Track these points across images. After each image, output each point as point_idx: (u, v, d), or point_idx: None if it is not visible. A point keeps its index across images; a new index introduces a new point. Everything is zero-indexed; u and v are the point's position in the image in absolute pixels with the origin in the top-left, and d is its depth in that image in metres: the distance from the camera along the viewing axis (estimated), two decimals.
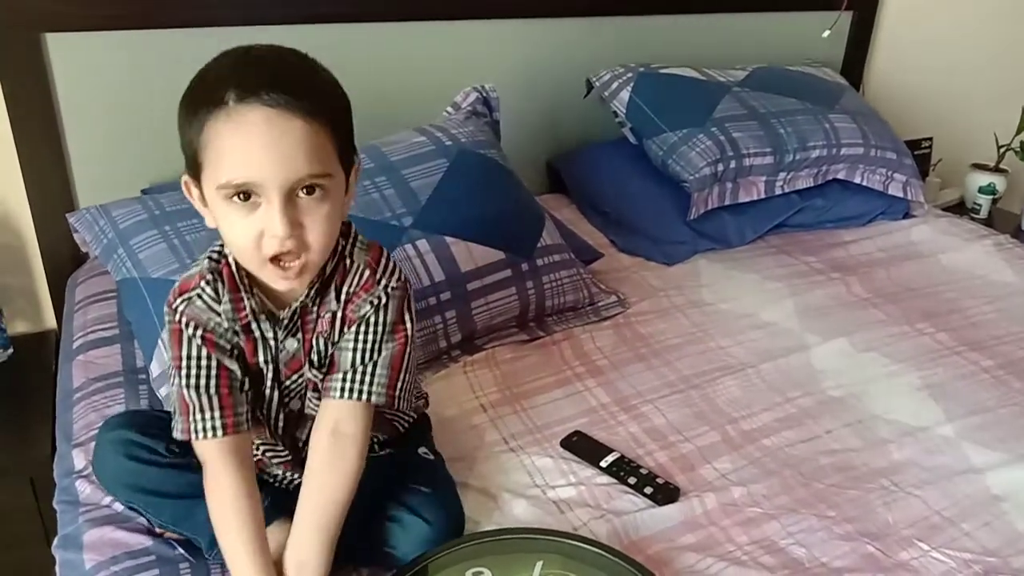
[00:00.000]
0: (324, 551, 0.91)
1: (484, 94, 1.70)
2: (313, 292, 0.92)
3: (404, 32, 1.79)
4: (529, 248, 1.51)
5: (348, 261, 0.94)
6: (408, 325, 0.97)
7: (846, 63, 2.34)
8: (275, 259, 0.85)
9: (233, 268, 0.91)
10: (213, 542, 0.97)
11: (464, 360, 1.40)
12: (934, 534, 1.07)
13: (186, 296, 0.92)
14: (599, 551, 0.96)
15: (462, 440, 1.20)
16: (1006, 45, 2.55)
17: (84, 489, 1.11)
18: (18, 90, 1.52)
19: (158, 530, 1.05)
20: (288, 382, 0.98)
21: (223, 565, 0.95)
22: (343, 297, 0.94)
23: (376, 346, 0.94)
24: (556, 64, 1.97)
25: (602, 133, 2.05)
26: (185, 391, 0.92)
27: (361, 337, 0.94)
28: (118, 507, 1.08)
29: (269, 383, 0.97)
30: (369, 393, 0.94)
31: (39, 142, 1.57)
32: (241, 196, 0.81)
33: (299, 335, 0.95)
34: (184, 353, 0.92)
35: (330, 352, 0.96)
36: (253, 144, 0.79)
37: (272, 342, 0.94)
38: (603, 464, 1.16)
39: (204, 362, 0.92)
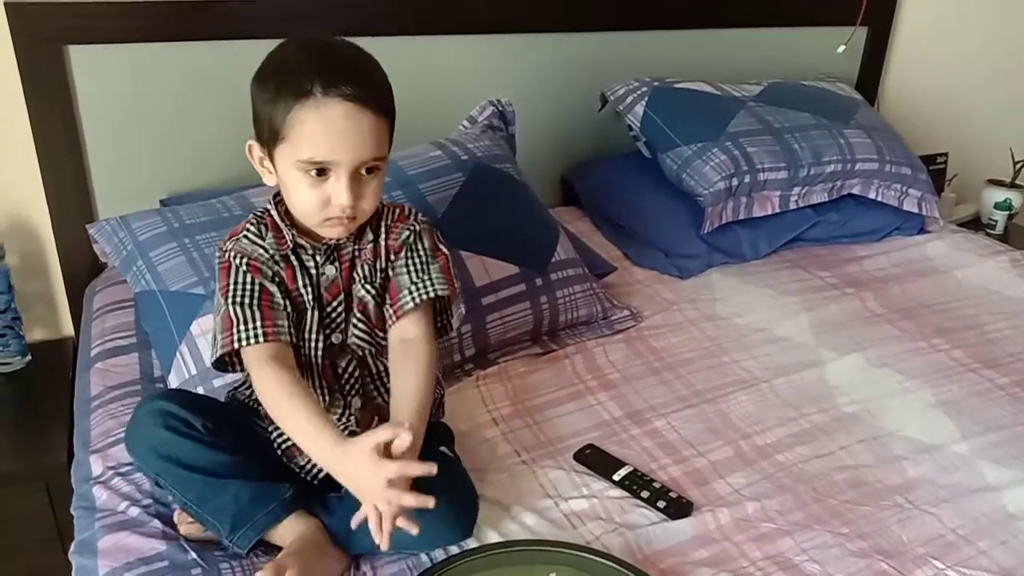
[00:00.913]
0: (418, 437, 1.01)
1: (500, 108, 1.72)
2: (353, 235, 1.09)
3: (421, 46, 1.80)
4: (543, 262, 1.52)
5: (384, 207, 1.11)
6: (444, 250, 1.14)
7: (861, 78, 2.34)
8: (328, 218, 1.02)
9: (275, 216, 1.07)
10: (235, 526, 1.01)
11: (477, 374, 1.40)
12: (949, 552, 1.07)
13: (235, 238, 1.08)
14: (611, 563, 0.96)
15: (475, 454, 1.21)
16: (1021, 60, 2.54)
17: (101, 495, 1.12)
18: (41, 101, 1.55)
19: (176, 519, 1.07)
20: (328, 308, 1.09)
21: (238, 556, 1.00)
22: (383, 230, 1.10)
23: (425, 263, 1.11)
24: (571, 78, 1.99)
25: (616, 147, 2.06)
26: (230, 308, 1.03)
27: (410, 260, 1.10)
28: (134, 511, 1.09)
29: (309, 310, 1.07)
30: (433, 289, 1.09)
31: (60, 152, 1.59)
32: (315, 171, 0.98)
33: (336, 263, 1.08)
34: (231, 280, 1.05)
35: (378, 274, 1.10)
36: (334, 132, 0.96)
37: (312, 269, 1.08)
38: (616, 477, 1.16)
39: (247, 285, 1.04)
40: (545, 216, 1.63)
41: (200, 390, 1.24)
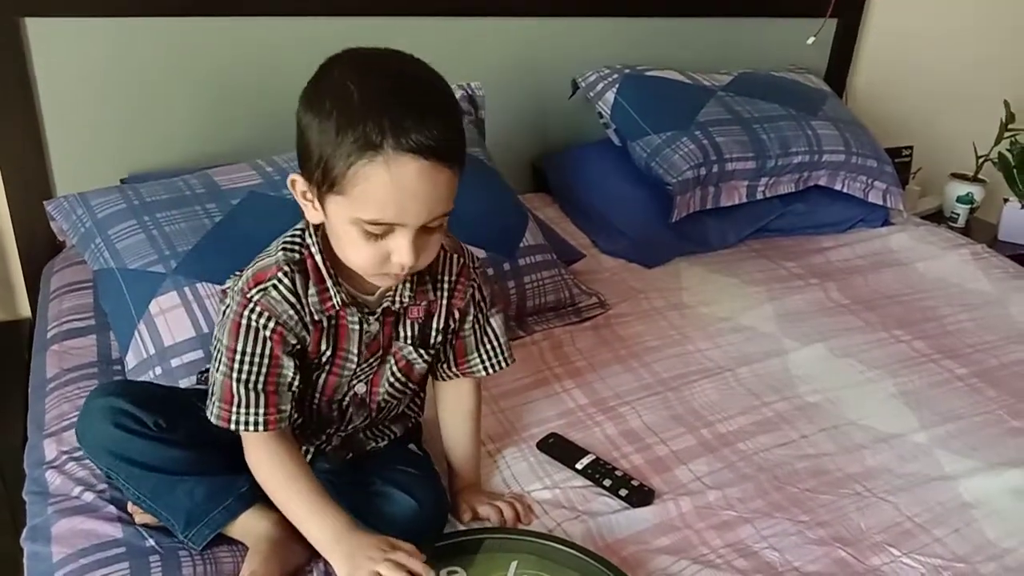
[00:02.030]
0: (478, 454, 1.13)
1: (469, 92, 1.70)
2: (411, 282, 0.98)
3: (389, 27, 1.77)
4: (511, 248, 1.51)
5: (441, 252, 1.00)
6: (494, 291, 1.10)
7: (830, 70, 2.36)
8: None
9: (318, 260, 0.93)
10: (189, 523, 0.99)
11: None
12: (905, 540, 1.08)
13: (262, 286, 0.92)
14: (573, 551, 0.96)
15: (440, 442, 1.20)
16: (988, 57, 2.57)
17: (54, 480, 1.10)
18: None
19: (130, 509, 1.05)
20: (364, 364, 1.01)
21: (193, 553, 0.97)
22: (445, 287, 1.02)
23: (488, 323, 1.07)
24: (542, 63, 1.98)
25: (588, 134, 2.05)
26: (234, 384, 0.93)
27: (476, 322, 1.06)
28: (88, 496, 1.07)
29: (324, 374, 0.99)
30: (506, 360, 1.10)
31: (16, 128, 1.55)
32: (374, 229, 0.85)
33: (380, 319, 0.98)
34: (241, 347, 0.92)
35: (434, 333, 1.03)
36: (405, 193, 0.83)
37: (359, 328, 0.97)
38: (579, 466, 1.16)
39: (259, 359, 0.93)
40: (514, 201, 1.62)
41: (158, 370, 1.21)
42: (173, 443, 1.00)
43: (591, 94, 1.95)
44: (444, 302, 1.02)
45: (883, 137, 2.20)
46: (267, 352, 0.93)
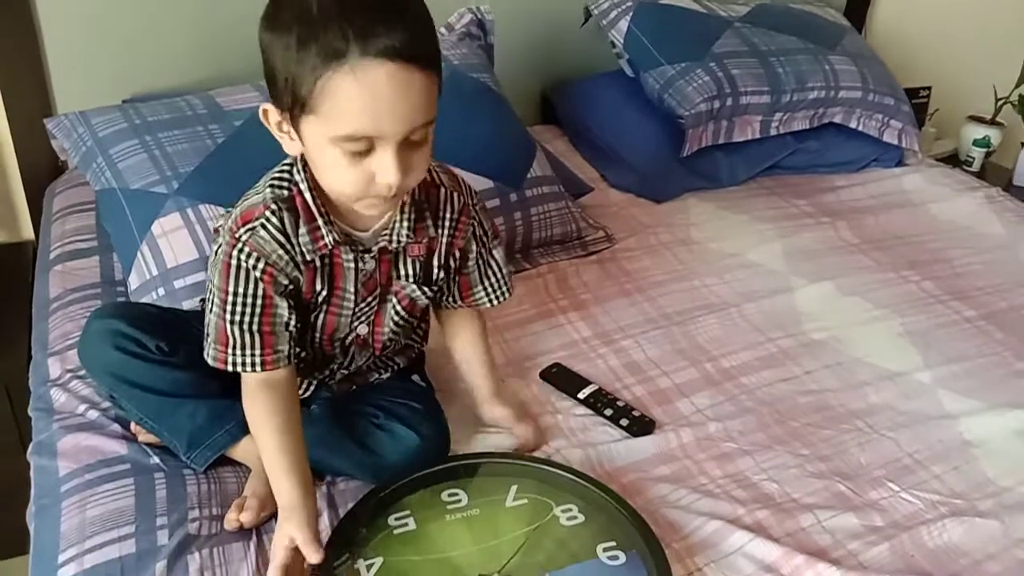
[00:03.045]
0: (494, 372, 1.12)
1: (479, 16, 1.66)
2: (410, 220, 0.94)
3: None
4: (518, 178, 1.49)
5: (441, 189, 0.98)
6: (494, 225, 1.08)
7: (850, 4, 2.28)
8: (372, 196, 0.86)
9: (307, 197, 0.89)
10: (191, 445, 0.99)
11: None
12: (904, 475, 1.09)
13: (250, 226, 0.89)
14: (571, 476, 0.97)
15: (444, 371, 1.20)
16: None
17: (59, 397, 1.11)
18: None
19: (133, 429, 1.05)
20: (363, 303, 0.98)
21: (197, 471, 0.99)
22: (446, 224, 0.98)
23: (491, 256, 1.06)
24: None
25: (600, 64, 2.00)
26: (228, 326, 0.91)
27: (480, 256, 1.05)
28: (93, 415, 1.07)
29: (323, 313, 0.97)
30: (508, 291, 1.09)
31: (16, 48, 1.52)
32: (354, 147, 0.80)
33: (376, 256, 0.95)
34: (232, 288, 0.90)
35: (435, 271, 1.00)
36: (379, 102, 0.77)
37: (353, 267, 0.94)
38: (580, 396, 1.16)
39: (251, 299, 0.90)
40: (522, 131, 1.59)
41: (160, 291, 1.21)
42: (175, 366, 0.99)
43: (604, 22, 1.90)
44: (444, 240, 0.99)
45: (901, 77, 2.14)
46: (259, 293, 0.90)
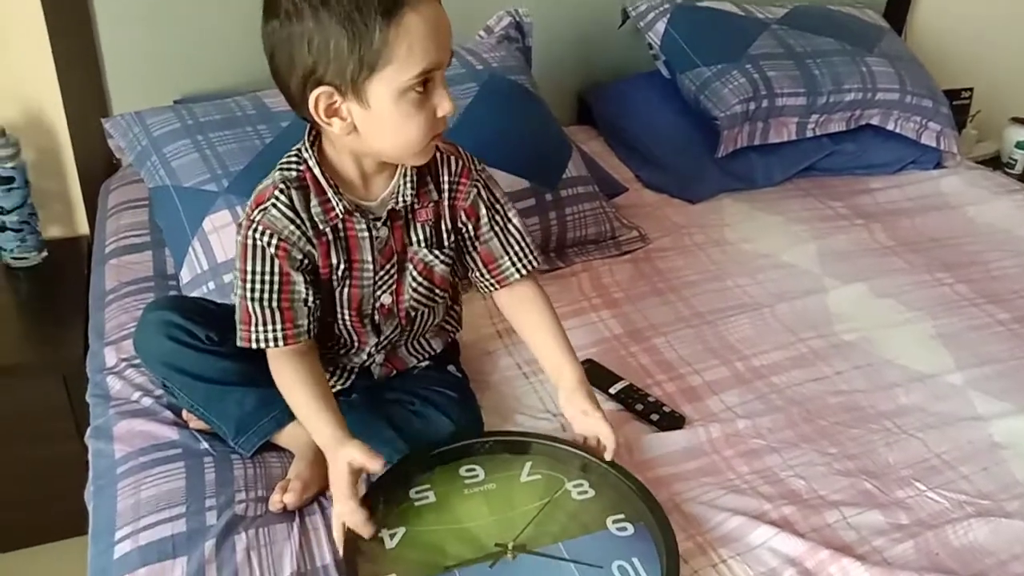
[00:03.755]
0: (570, 351, 1.08)
1: (517, 19, 1.69)
2: (412, 181, 0.99)
3: None
4: (554, 179, 1.52)
5: (438, 155, 1.01)
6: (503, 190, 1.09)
7: (890, 5, 2.27)
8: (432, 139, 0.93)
9: (316, 172, 0.95)
10: (239, 431, 1.05)
11: None
12: (932, 475, 1.10)
13: (262, 206, 0.95)
14: (583, 455, 1.01)
15: (478, 364, 1.24)
16: None
17: (115, 384, 1.17)
18: None
19: (185, 416, 1.11)
20: (382, 271, 1.02)
21: (244, 457, 1.05)
22: (446, 186, 1.02)
23: (507, 219, 1.07)
24: None
25: (636, 65, 2.02)
26: (248, 303, 0.96)
27: (495, 223, 1.06)
28: (147, 401, 1.13)
29: (338, 287, 1.01)
30: (534, 257, 1.09)
31: (75, 49, 1.59)
32: (419, 90, 0.88)
33: (388, 223, 1.00)
34: (250, 267, 0.96)
35: (446, 235, 1.04)
36: (440, 31, 0.88)
37: (368, 235, 0.99)
38: (612, 391, 1.19)
39: (268, 276, 0.96)
40: (558, 132, 1.62)
41: (211, 285, 1.27)
42: (223, 355, 1.04)
43: (641, 24, 1.92)
44: (447, 202, 1.03)
45: (942, 78, 2.13)
46: (276, 269, 0.96)
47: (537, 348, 1.10)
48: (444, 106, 0.90)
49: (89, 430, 1.13)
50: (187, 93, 1.66)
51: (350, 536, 0.90)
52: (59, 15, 1.55)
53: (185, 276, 1.29)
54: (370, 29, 0.83)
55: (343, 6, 0.83)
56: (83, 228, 1.78)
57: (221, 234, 1.28)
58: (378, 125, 0.90)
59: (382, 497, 0.95)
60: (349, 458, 0.90)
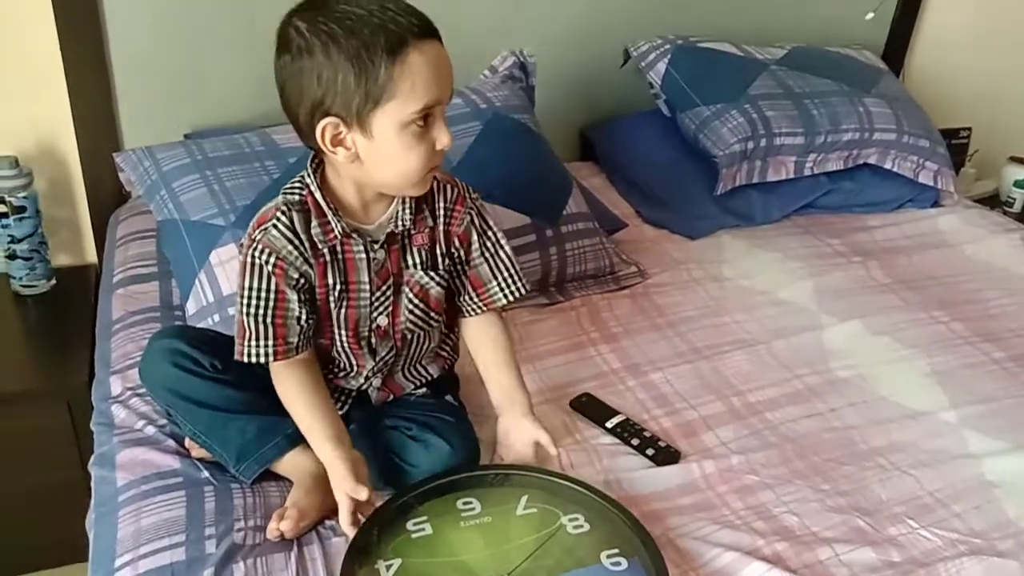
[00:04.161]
0: (520, 380, 1.15)
1: (521, 59, 1.73)
2: (411, 211, 1.04)
3: None
4: (555, 215, 1.55)
5: (434, 182, 1.05)
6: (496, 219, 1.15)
7: (888, 48, 2.31)
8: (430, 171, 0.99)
9: (318, 196, 1.00)
10: (240, 458, 1.06)
11: None
12: (924, 513, 1.11)
13: (263, 227, 1.00)
14: (580, 489, 1.03)
15: (477, 397, 1.24)
16: None
17: (120, 413, 1.19)
18: (70, 27, 1.57)
19: (187, 445, 1.13)
20: (378, 293, 1.06)
21: (243, 485, 1.06)
22: (441, 213, 1.07)
23: (498, 245, 1.12)
24: (595, 32, 1.99)
25: (638, 104, 2.06)
26: (244, 318, 1.02)
27: (485, 248, 1.11)
28: (150, 430, 1.15)
29: (335, 308, 1.05)
30: (523, 285, 1.14)
31: (89, 83, 1.63)
32: (420, 124, 0.93)
33: (385, 247, 1.04)
34: (248, 284, 1.01)
35: (440, 259, 1.08)
36: (441, 71, 0.93)
37: (360, 255, 1.03)
38: (608, 425, 1.21)
39: (265, 294, 1.01)
40: (559, 169, 1.65)
41: (216, 318, 1.29)
42: (227, 383, 1.08)
43: (643, 64, 1.96)
44: (442, 227, 1.07)
45: (941, 118, 2.16)
46: (272, 287, 1.00)
47: (492, 373, 1.15)
48: (443, 139, 0.96)
49: (93, 458, 1.15)
50: (198, 127, 1.70)
51: (346, 568, 0.91)
52: (75, 50, 1.59)
53: (191, 308, 1.32)
54: (376, 66, 0.89)
55: (352, 44, 0.89)
56: (92, 257, 1.81)
57: (227, 267, 1.31)
58: (380, 155, 0.95)
59: (378, 529, 0.96)
60: (340, 490, 0.97)
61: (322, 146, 0.95)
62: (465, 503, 1.02)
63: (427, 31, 0.92)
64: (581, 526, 0.99)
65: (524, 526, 0.99)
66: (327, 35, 0.89)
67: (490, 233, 1.12)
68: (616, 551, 0.95)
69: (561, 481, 1.04)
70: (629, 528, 0.97)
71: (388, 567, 0.93)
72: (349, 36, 0.89)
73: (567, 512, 1.01)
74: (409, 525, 0.98)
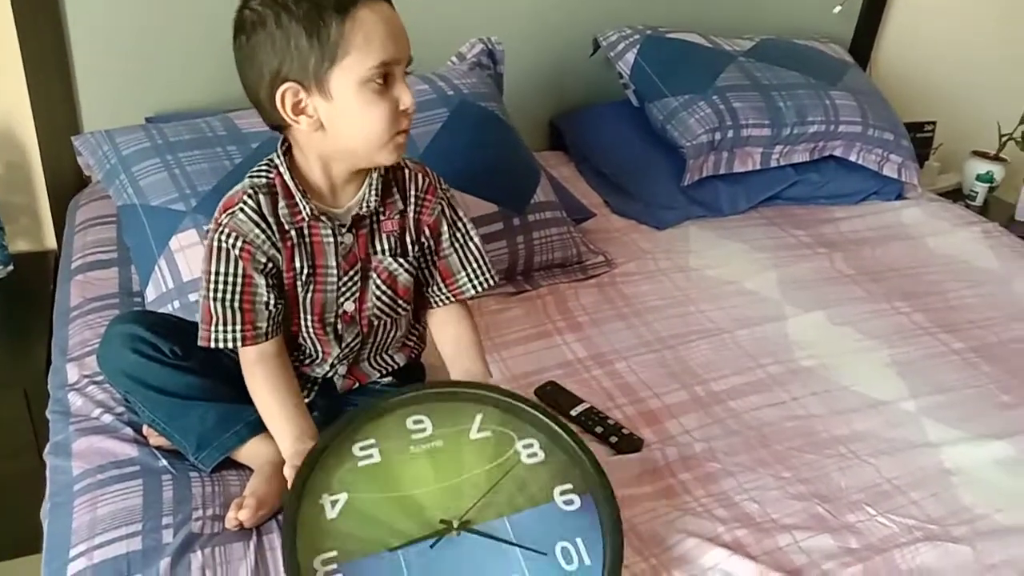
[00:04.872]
0: (485, 366, 1.11)
1: (489, 46, 1.72)
2: (377, 191, 1.02)
3: None
4: (522, 203, 1.54)
5: (406, 171, 1.06)
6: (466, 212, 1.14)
7: (855, 41, 2.34)
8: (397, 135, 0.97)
9: (287, 178, 0.99)
10: (200, 446, 1.05)
11: None
12: (882, 500, 1.12)
13: (230, 211, 0.99)
14: (534, 411, 0.98)
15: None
16: (1017, 36, 2.54)
17: (76, 401, 1.16)
18: (28, 11, 1.54)
19: (145, 432, 1.11)
20: (345, 278, 1.04)
21: (202, 474, 1.05)
22: (412, 201, 1.06)
23: (467, 237, 1.11)
24: (564, 21, 1.98)
25: (607, 94, 2.06)
26: (211, 303, 0.99)
27: (455, 239, 1.10)
28: (107, 419, 1.13)
29: (302, 292, 1.03)
30: (492, 277, 1.13)
31: (48, 65, 1.59)
32: (379, 81, 0.92)
33: (353, 231, 1.02)
34: (214, 268, 0.99)
35: (411, 246, 1.06)
36: (394, 29, 0.93)
37: (328, 239, 1.01)
38: (573, 413, 1.21)
39: (232, 278, 0.99)
40: (527, 158, 1.65)
41: (176, 304, 1.27)
42: (187, 370, 1.06)
43: (612, 54, 1.96)
44: (412, 215, 1.06)
45: (906, 112, 2.19)
46: (239, 271, 0.99)
47: (456, 359, 1.12)
48: (404, 99, 0.94)
49: (48, 446, 1.12)
50: (159, 111, 1.67)
51: (293, 500, 0.87)
52: (31, 31, 1.55)
53: (151, 294, 1.30)
54: (327, 24, 0.89)
55: (301, 7, 0.90)
56: (51, 243, 1.77)
57: (187, 253, 1.29)
58: (342, 118, 0.94)
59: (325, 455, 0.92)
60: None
61: (285, 116, 0.94)
62: (416, 422, 0.96)
63: None
64: (535, 454, 0.95)
65: (477, 454, 0.94)
66: (278, 4, 0.90)
67: (460, 224, 1.11)
68: (569, 487, 0.93)
69: (517, 402, 0.99)
70: (584, 458, 0.94)
71: (334, 503, 0.88)
72: (299, 1, 0.90)
73: (522, 436, 0.96)
74: (356, 450, 0.92)
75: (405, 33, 0.95)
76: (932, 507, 1.12)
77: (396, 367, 1.17)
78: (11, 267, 1.65)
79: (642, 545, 1.00)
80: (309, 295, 1.04)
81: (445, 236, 1.09)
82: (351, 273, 1.05)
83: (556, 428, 0.97)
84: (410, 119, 0.97)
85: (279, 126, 0.98)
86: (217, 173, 1.36)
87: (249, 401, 1.06)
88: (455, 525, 0.88)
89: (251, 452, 1.07)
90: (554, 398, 1.24)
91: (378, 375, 1.16)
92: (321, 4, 0.90)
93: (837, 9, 2.22)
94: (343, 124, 0.94)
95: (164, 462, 1.07)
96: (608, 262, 1.64)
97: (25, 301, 1.59)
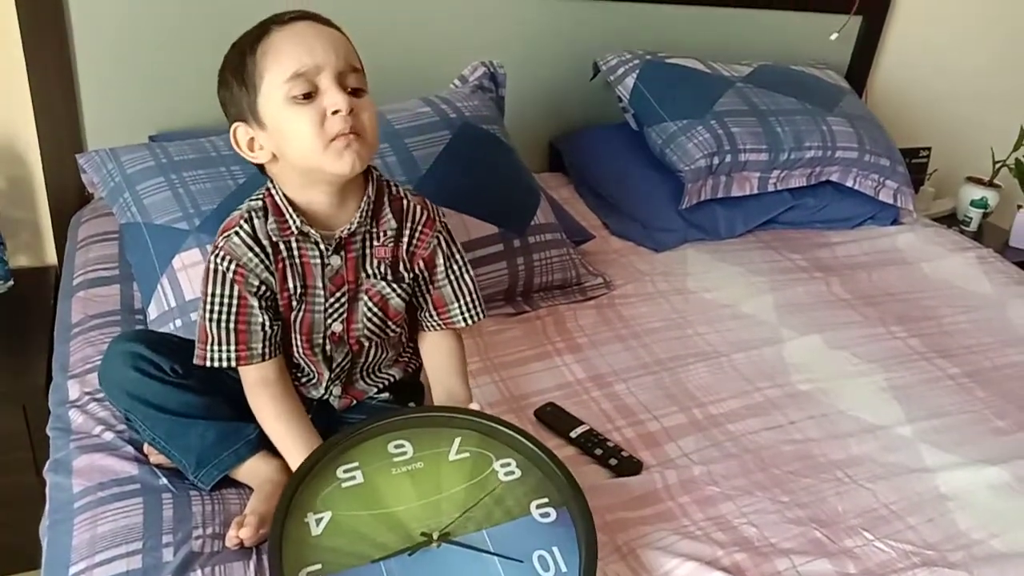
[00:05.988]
0: (467, 387, 1.14)
1: (492, 69, 1.74)
2: (366, 217, 1.03)
3: (417, 1, 1.81)
4: (522, 225, 1.55)
5: (404, 202, 1.07)
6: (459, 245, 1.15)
7: (851, 67, 2.37)
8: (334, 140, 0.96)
9: (278, 198, 1.01)
10: (199, 464, 1.05)
11: None
12: (879, 525, 1.13)
13: (227, 234, 1.01)
14: (513, 433, 1.00)
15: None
16: (1011, 63, 2.58)
17: (77, 418, 1.16)
18: (34, 25, 1.55)
19: (145, 450, 1.11)
20: (332, 299, 1.05)
21: (202, 493, 1.05)
22: (407, 232, 1.07)
23: (465, 273, 1.13)
24: (565, 45, 2.01)
25: (606, 117, 2.09)
26: (207, 324, 1.02)
27: (451, 271, 1.11)
28: (108, 436, 1.13)
29: (296, 313, 1.05)
30: (483, 311, 1.15)
31: (52, 80, 1.60)
32: (303, 96, 0.93)
33: (343, 253, 1.04)
34: (211, 290, 1.01)
35: (405, 274, 1.08)
36: (306, 38, 0.95)
37: (316, 259, 1.03)
38: (572, 435, 1.21)
39: (227, 300, 1.01)
40: (528, 180, 1.66)
41: (178, 323, 1.27)
42: (187, 388, 1.07)
43: (611, 78, 1.98)
44: (406, 246, 1.07)
45: (901, 137, 2.22)
46: (234, 293, 1.01)
47: (439, 376, 1.14)
48: (331, 101, 0.93)
49: (48, 463, 1.12)
50: (163, 129, 1.68)
51: (278, 519, 0.89)
52: (37, 47, 1.57)
53: (153, 312, 1.30)
54: (246, 63, 0.95)
55: (232, 57, 0.98)
56: (52, 259, 1.78)
57: (190, 272, 1.29)
58: (280, 139, 0.96)
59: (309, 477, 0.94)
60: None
61: (244, 154, 1.00)
62: (397, 446, 0.99)
63: (296, 17, 0.96)
64: (512, 472, 0.97)
65: (456, 473, 0.97)
66: (223, 65, 0.99)
67: (456, 257, 1.12)
68: (546, 500, 0.95)
69: (496, 425, 1.01)
70: (558, 474, 0.96)
71: (318, 521, 0.91)
72: (230, 53, 0.98)
73: (500, 456, 0.99)
74: (340, 472, 0.95)
75: (330, 41, 0.95)
76: (929, 532, 1.13)
77: (392, 380, 1.18)
78: (11, 282, 1.65)
79: (640, 568, 1.01)
80: (300, 315, 1.05)
81: (440, 268, 1.11)
82: (337, 295, 1.06)
83: (532, 447, 1.00)
84: (346, 121, 0.94)
85: (260, 166, 1.03)
86: (221, 192, 1.37)
87: (249, 420, 1.07)
88: (435, 537, 0.90)
89: (250, 471, 1.07)
90: (554, 420, 1.25)
91: (375, 390, 1.17)
92: (243, 48, 0.96)
93: (834, 36, 2.25)
94: (283, 145, 0.97)
95: (164, 480, 1.07)
96: (607, 284, 1.65)
97: (25, 317, 1.59)
